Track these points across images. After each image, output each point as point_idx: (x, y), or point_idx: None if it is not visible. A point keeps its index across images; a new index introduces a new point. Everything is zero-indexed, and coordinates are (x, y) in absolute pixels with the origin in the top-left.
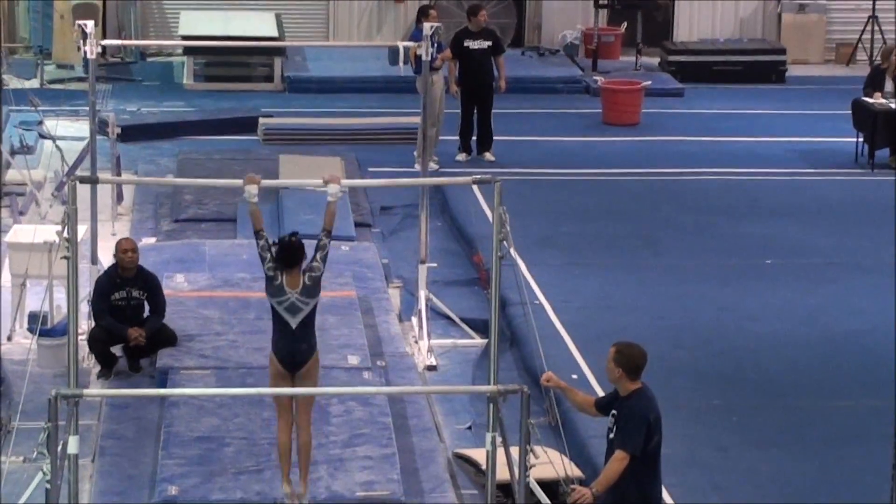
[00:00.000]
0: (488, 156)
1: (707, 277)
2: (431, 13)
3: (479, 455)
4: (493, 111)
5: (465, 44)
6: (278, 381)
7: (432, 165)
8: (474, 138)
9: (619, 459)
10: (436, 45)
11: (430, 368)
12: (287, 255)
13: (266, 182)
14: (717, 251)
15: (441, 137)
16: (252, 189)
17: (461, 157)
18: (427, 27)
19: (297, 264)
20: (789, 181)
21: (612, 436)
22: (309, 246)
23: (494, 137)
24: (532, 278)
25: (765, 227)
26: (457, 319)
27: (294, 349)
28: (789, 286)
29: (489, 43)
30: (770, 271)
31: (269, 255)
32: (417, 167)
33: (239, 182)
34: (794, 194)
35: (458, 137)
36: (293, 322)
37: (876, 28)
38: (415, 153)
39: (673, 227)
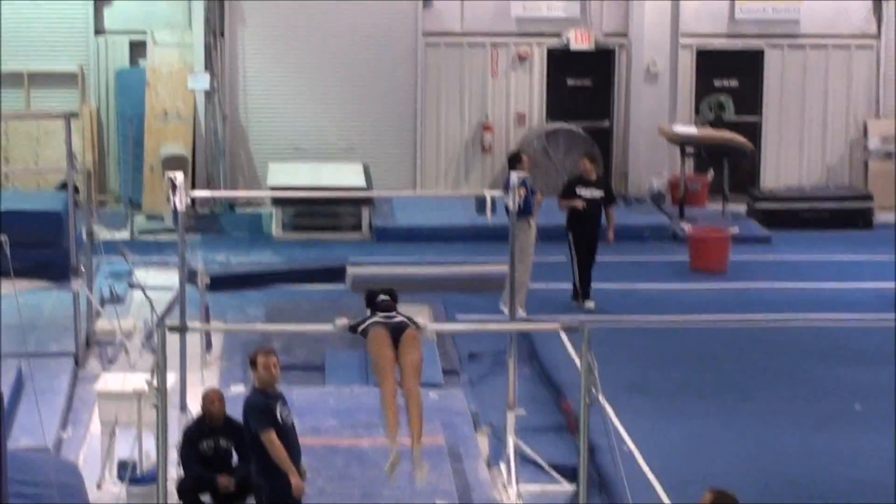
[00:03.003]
0: (589, 304)
1: (797, 422)
2: (524, 158)
3: None
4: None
5: (579, 191)
6: (382, 347)
7: (520, 312)
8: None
9: None
10: (529, 189)
11: None
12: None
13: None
14: (806, 396)
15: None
16: (341, 321)
17: (590, 304)
18: (514, 177)
19: None
20: (879, 328)
21: None
22: None
23: None
24: (621, 425)
25: (855, 373)
26: (545, 465)
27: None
28: (882, 432)
29: (601, 192)
30: (861, 417)
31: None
32: (504, 310)
33: (328, 326)
34: (883, 340)
35: (549, 285)
36: None
37: None
38: (500, 301)
39: (762, 373)
